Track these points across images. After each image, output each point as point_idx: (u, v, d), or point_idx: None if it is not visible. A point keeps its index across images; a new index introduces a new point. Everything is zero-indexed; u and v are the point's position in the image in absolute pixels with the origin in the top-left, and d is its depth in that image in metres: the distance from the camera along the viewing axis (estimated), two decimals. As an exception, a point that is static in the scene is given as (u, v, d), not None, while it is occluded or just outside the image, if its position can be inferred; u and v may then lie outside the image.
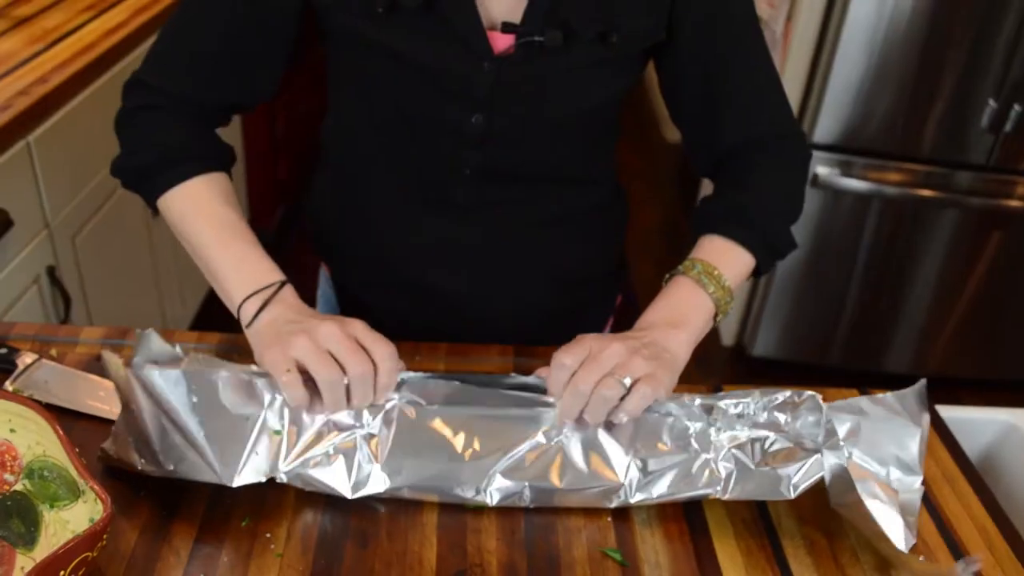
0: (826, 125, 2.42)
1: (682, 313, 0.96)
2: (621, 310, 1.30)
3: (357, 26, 0.96)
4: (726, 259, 1.00)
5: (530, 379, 0.92)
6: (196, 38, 0.99)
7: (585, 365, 0.87)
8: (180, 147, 0.98)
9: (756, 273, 1.04)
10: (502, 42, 0.95)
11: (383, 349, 0.86)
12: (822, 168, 2.46)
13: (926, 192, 2.48)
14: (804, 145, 1.09)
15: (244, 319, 0.90)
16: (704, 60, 1.02)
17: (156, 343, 0.88)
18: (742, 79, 1.04)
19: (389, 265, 1.11)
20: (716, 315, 0.98)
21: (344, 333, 0.85)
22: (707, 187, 3.43)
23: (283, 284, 0.92)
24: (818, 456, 0.85)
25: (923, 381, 0.94)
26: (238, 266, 0.93)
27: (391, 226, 1.09)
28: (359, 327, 0.87)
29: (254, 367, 0.87)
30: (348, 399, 0.85)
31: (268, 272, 0.93)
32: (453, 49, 0.95)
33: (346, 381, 0.84)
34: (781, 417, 0.90)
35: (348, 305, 1.20)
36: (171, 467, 0.83)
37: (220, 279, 0.93)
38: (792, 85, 2.49)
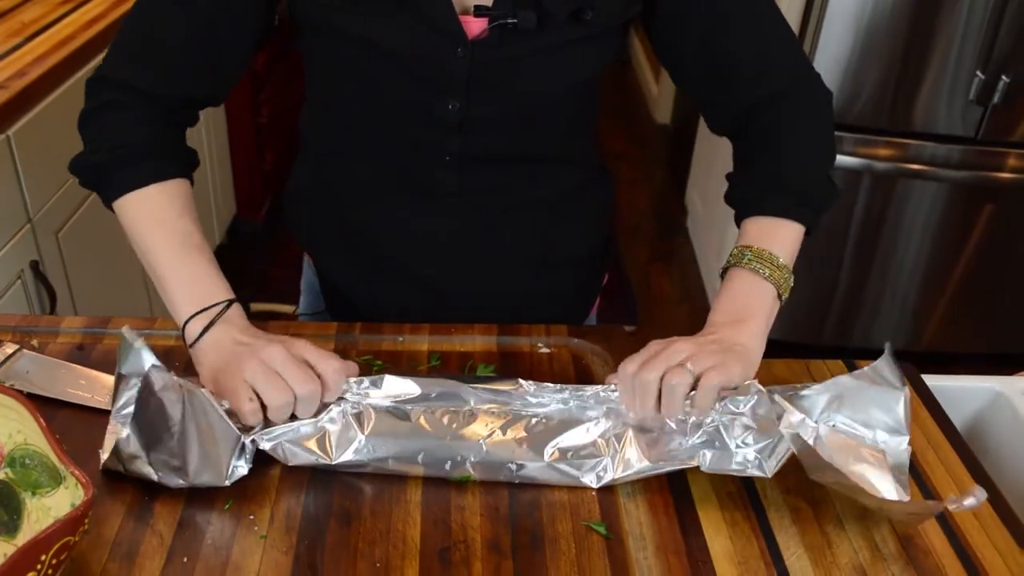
0: (812, 102, 2.41)
1: (745, 305, 0.95)
2: (608, 292, 1.30)
3: (328, 15, 0.94)
4: (775, 237, 0.98)
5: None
6: (160, 29, 0.96)
7: (649, 361, 0.88)
8: (139, 148, 0.95)
9: (807, 233, 1.02)
10: (475, 26, 0.94)
11: (328, 364, 0.87)
12: (809, 145, 2.45)
13: (916, 166, 2.48)
14: (823, 86, 1.05)
15: (188, 338, 0.90)
16: (700, 20, 0.99)
17: (146, 356, 0.84)
18: (745, 32, 1.00)
19: (371, 252, 1.11)
20: (780, 296, 0.97)
21: (290, 354, 0.86)
22: (699, 167, 3.43)
23: (230, 303, 0.92)
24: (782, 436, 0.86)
25: (888, 346, 0.93)
26: (189, 282, 0.92)
27: (371, 214, 1.08)
28: (304, 346, 0.88)
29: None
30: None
31: (217, 291, 0.92)
32: (426, 35, 0.94)
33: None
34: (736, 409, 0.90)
35: (331, 293, 1.20)
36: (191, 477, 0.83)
37: (169, 293, 0.93)
38: (778, 62, 2.49)
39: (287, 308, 2.81)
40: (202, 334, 0.89)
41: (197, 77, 0.99)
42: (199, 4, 0.95)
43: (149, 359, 0.82)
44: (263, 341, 0.87)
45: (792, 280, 0.97)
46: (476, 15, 0.92)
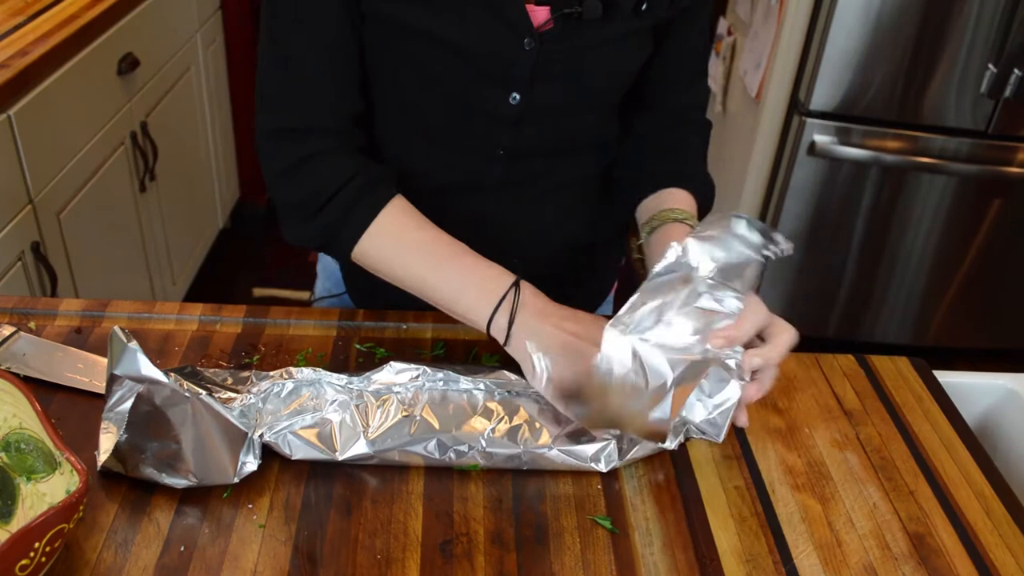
0: (823, 92, 2.39)
1: None
2: (625, 273, 1.30)
3: (395, 10, 0.92)
4: (695, 211, 1.05)
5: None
6: (300, 66, 0.93)
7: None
8: (354, 187, 0.93)
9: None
10: (539, 16, 0.93)
11: None
12: (819, 136, 2.43)
13: (925, 159, 2.45)
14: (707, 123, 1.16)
15: (499, 337, 0.87)
16: (696, 26, 1.06)
17: (142, 361, 0.80)
18: (696, 45, 1.09)
19: None
20: None
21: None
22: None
23: (517, 284, 0.88)
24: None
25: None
26: (463, 287, 0.90)
27: (416, 199, 1.06)
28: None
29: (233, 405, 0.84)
30: None
31: (496, 279, 0.89)
32: (492, 27, 0.92)
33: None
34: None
35: (356, 278, 1.18)
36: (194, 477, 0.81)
37: (456, 308, 0.90)
38: (788, 52, 2.46)
39: (295, 294, 2.80)
40: (510, 328, 0.86)
41: (351, 92, 0.97)
42: (319, 25, 0.92)
43: (146, 366, 0.78)
44: (588, 322, 0.87)
45: None
46: (539, 3, 0.91)
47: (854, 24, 2.28)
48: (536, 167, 1.06)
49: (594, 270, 1.23)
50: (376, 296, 1.12)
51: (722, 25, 3.06)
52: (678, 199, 1.03)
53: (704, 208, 1.08)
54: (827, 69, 2.35)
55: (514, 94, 0.96)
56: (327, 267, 1.23)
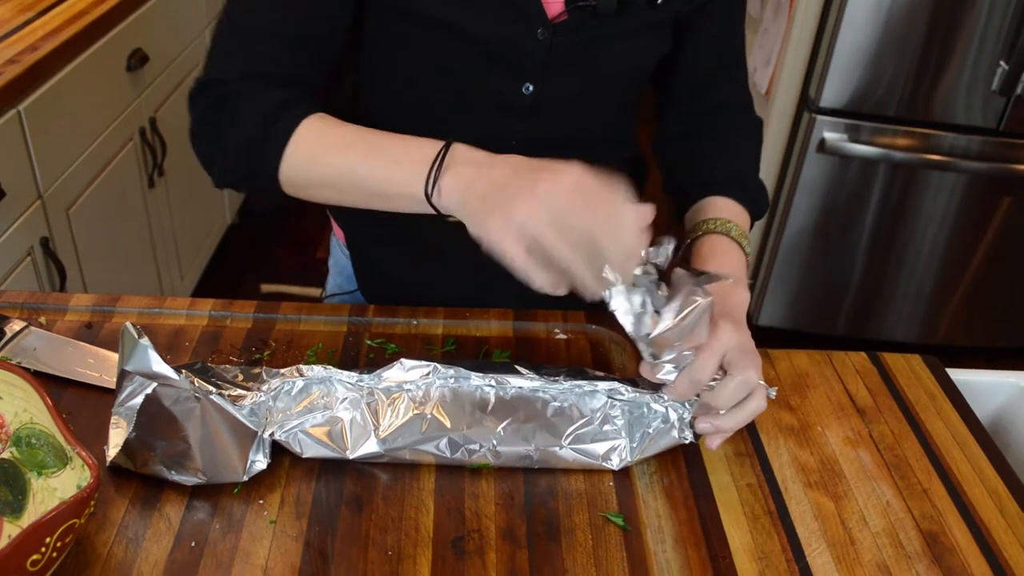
0: (833, 89, 2.38)
1: (739, 269, 0.96)
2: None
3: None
4: (741, 219, 1.01)
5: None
6: (256, 17, 0.90)
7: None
8: (276, 108, 0.86)
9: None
10: (554, 7, 0.92)
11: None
12: (829, 133, 2.42)
13: (935, 157, 2.44)
14: (758, 119, 1.14)
15: (439, 207, 0.79)
16: (718, 22, 1.05)
17: (153, 358, 0.79)
18: (733, 42, 1.08)
19: (417, 235, 1.09)
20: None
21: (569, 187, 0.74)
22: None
23: (447, 147, 0.80)
24: None
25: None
26: (394, 162, 0.81)
27: None
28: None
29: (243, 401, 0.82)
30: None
31: (427, 145, 0.80)
32: (507, 17, 0.92)
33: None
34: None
35: (364, 270, 1.18)
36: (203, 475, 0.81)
37: (392, 188, 0.82)
38: (798, 48, 2.45)
39: (303, 291, 2.80)
40: (435, 186, 0.78)
41: (304, 58, 0.92)
42: None
43: (157, 363, 0.78)
44: (525, 171, 0.77)
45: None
46: None
47: (865, 20, 2.27)
48: (550, 158, 1.04)
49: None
50: (388, 293, 1.12)
51: (731, 22, 3.04)
52: (718, 207, 1.01)
53: (756, 213, 1.05)
54: (837, 66, 2.34)
55: (527, 84, 0.96)
56: (338, 263, 1.23)
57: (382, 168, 0.83)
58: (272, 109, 0.86)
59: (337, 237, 1.22)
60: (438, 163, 0.79)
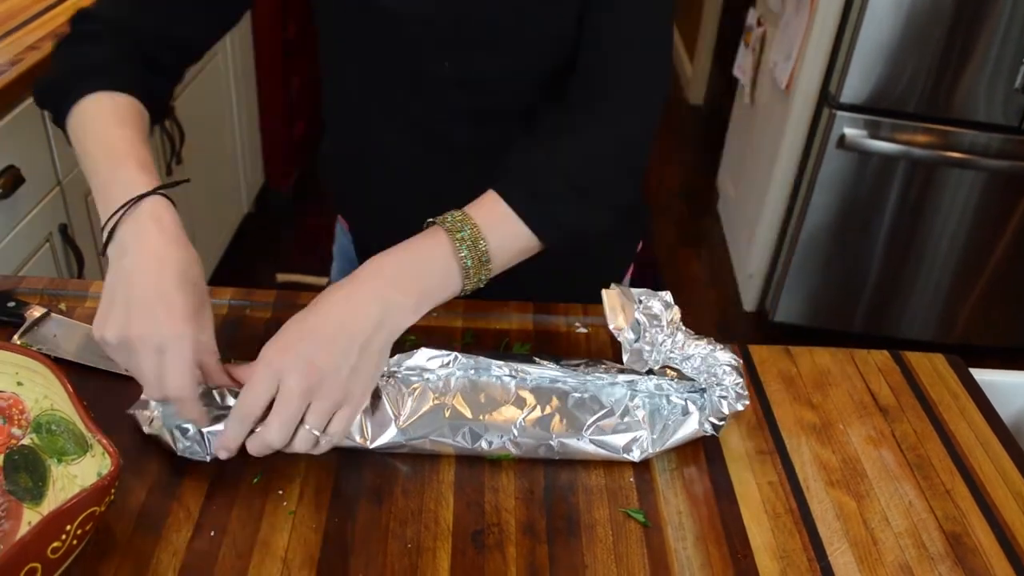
0: (854, 85, 2.36)
1: (419, 274, 0.83)
2: (640, 264, 1.27)
3: None
4: (497, 223, 0.85)
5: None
6: None
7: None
8: (93, 68, 0.89)
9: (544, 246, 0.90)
10: None
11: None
12: (849, 129, 2.40)
13: (955, 154, 2.42)
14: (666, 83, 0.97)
15: (103, 245, 0.81)
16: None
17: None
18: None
19: (403, 211, 1.09)
20: (463, 286, 0.84)
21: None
22: (731, 150, 3.38)
23: (140, 199, 0.78)
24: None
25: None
26: (105, 187, 0.82)
27: (399, 173, 1.07)
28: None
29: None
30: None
31: (131, 187, 0.80)
32: None
33: None
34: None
35: (367, 255, 1.18)
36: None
37: (97, 204, 0.83)
38: (819, 43, 2.44)
39: (317, 280, 2.80)
40: (109, 238, 0.79)
41: (177, 12, 0.95)
42: None
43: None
44: (163, 304, 0.75)
45: (479, 282, 0.84)
46: None
47: (887, 16, 2.25)
48: (508, 130, 1.00)
49: (601, 252, 1.16)
50: None
51: (751, 16, 3.03)
52: (483, 207, 0.88)
53: (541, 230, 0.88)
54: (858, 61, 2.32)
55: (446, 59, 0.96)
56: (342, 247, 1.25)
57: (97, 185, 0.83)
58: (81, 73, 0.89)
59: (341, 223, 1.23)
60: (119, 214, 0.79)
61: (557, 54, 0.97)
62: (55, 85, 0.91)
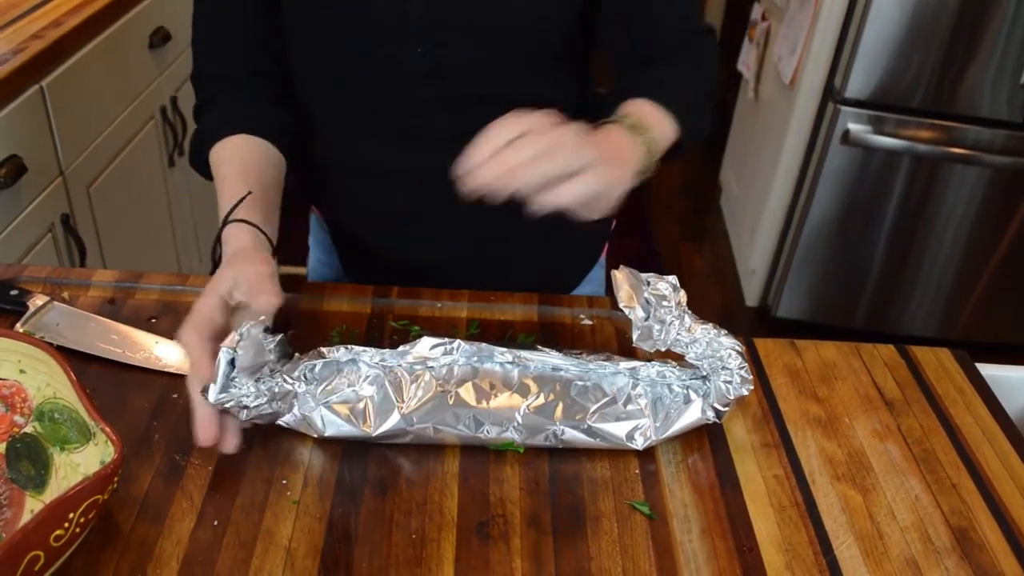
0: (858, 80, 2.35)
1: (623, 149, 0.87)
2: (627, 251, 1.27)
3: None
4: (655, 118, 0.92)
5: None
6: (206, 19, 1.04)
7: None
8: (220, 117, 1.01)
9: (675, 150, 0.97)
10: None
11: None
12: (853, 125, 2.40)
13: (959, 150, 2.42)
14: (714, 39, 1.07)
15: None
16: None
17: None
18: None
19: (381, 201, 1.09)
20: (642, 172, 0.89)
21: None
22: (734, 145, 3.38)
23: (223, 226, 0.91)
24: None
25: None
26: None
27: (375, 165, 1.07)
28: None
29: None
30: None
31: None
32: None
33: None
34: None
35: (344, 246, 1.20)
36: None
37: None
38: (824, 38, 2.43)
39: (293, 270, 2.79)
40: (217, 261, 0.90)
41: (249, 47, 1.04)
42: None
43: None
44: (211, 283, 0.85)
45: (651, 170, 0.90)
46: None
47: (892, 10, 2.25)
48: (487, 118, 1.01)
49: (576, 229, 1.18)
50: (366, 264, 1.15)
51: (756, 11, 3.02)
52: (633, 105, 0.93)
53: (688, 129, 0.96)
54: (863, 56, 2.32)
55: (418, 47, 0.96)
56: (317, 237, 1.26)
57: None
58: (210, 124, 1.02)
59: (315, 214, 1.24)
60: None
61: (531, 39, 0.99)
62: (192, 148, 1.04)
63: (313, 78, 1.05)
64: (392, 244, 1.13)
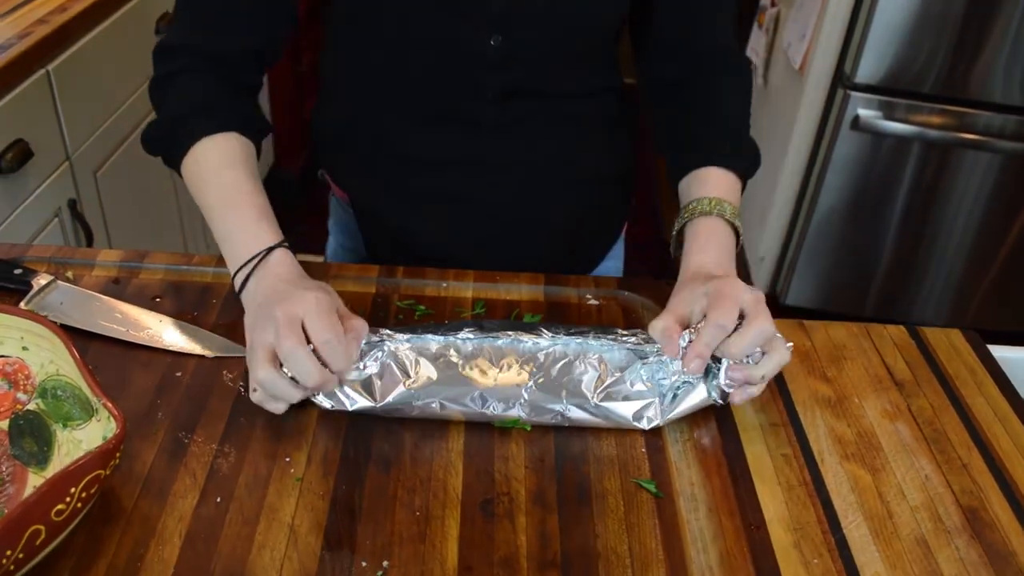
0: (868, 66, 2.33)
1: (730, 256, 0.96)
2: (640, 236, 1.28)
3: None
4: (734, 191, 1.00)
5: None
6: None
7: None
8: (193, 108, 0.95)
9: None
10: None
11: (356, 320, 0.83)
12: (863, 110, 2.38)
13: (970, 136, 2.39)
14: (748, 63, 1.12)
15: (237, 292, 0.88)
16: None
17: None
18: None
19: (413, 184, 1.08)
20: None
21: (320, 304, 0.81)
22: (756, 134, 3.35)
23: (268, 251, 0.87)
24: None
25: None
26: (230, 238, 0.90)
27: (412, 147, 1.06)
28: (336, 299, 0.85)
29: None
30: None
31: (256, 242, 0.88)
32: None
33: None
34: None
35: (373, 231, 1.17)
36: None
37: (223, 252, 0.91)
38: (834, 23, 2.41)
39: (312, 258, 2.79)
40: (242, 288, 0.86)
41: (250, 25, 0.98)
42: None
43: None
44: (300, 288, 0.82)
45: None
46: None
47: (902, -6, 2.23)
48: (538, 108, 1.04)
49: (605, 208, 1.21)
50: (396, 247, 1.13)
51: (765, -4, 3.00)
52: (713, 181, 1.00)
53: (749, 176, 1.04)
54: (874, 41, 2.30)
55: (495, 35, 0.96)
56: (340, 221, 1.24)
57: (220, 236, 0.91)
58: (189, 110, 0.95)
59: (337, 196, 1.22)
60: (246, 265, 0.87)
61: (595, 30, 1.02)
62: (162, 135, 0.97)
63: (366, 65, 1.04)
64: (426, 228, 1.11)
